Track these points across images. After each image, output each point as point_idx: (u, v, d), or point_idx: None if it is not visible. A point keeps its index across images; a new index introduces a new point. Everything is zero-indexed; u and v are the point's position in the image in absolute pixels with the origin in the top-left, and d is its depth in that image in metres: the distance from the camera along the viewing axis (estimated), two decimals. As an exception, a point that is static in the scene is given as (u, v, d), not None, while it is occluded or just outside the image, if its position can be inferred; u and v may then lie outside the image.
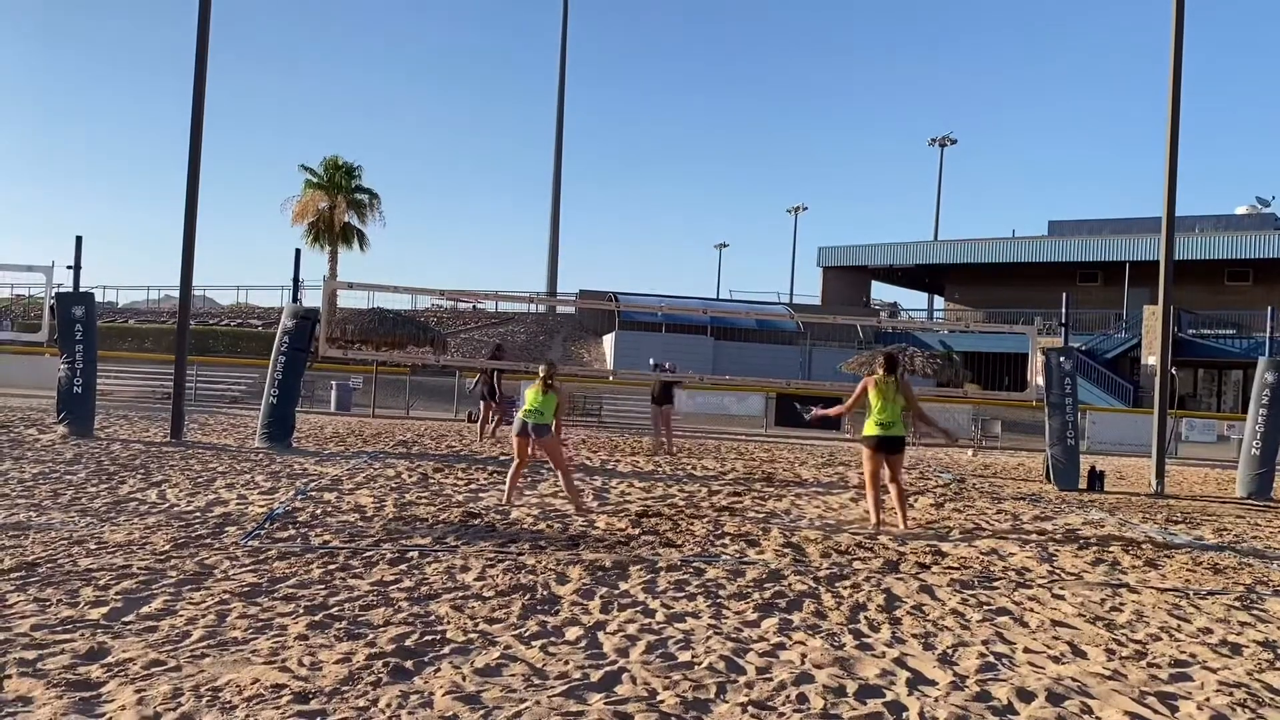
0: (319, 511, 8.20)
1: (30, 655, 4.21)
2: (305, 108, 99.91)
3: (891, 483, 9.01)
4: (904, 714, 4.06)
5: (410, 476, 10.94)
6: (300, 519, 7.82)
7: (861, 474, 9.97)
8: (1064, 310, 14.76)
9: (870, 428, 9.03)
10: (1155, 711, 4.25)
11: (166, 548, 6.48)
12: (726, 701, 4.08)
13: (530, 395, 9.21)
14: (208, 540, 6.80)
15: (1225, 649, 5.31)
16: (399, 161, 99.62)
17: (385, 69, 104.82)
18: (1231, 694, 4.51)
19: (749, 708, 4.02)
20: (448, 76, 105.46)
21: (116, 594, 5.27)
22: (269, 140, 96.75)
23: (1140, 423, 27.26)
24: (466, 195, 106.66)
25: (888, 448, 8.98)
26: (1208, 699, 4.43)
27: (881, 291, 54.37)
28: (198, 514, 7.83)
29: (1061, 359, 14.08)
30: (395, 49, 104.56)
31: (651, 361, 18.53)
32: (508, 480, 9.42)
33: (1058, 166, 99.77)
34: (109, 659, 4.24)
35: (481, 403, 17.58)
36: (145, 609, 5.03)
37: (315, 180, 40.38)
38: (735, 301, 46.93)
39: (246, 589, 5.51)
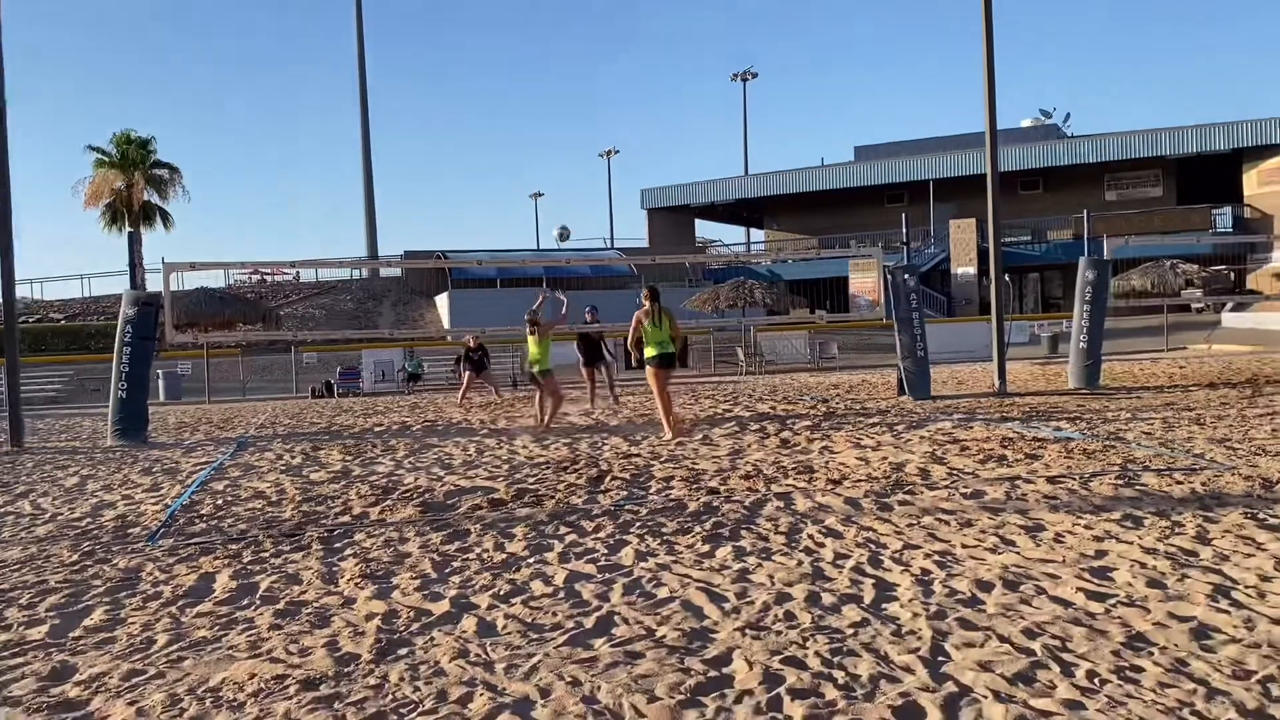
0: (220, 503, 7.85)
1: (-8, 684, 3.94)
2: (88, 81, 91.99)
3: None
4: (883, 610, 4.33)
5: (293, 458, 10.56)
6: (204, 512, 7.47)
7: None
8: (904, 229, 15.56)
9: (650, 350, 10.85)
10: (1101, 579, 4.69)
11: (74, 558, 6.09)
12: (723, 629, 4.24)
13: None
14: (115, 546, 6.42)
15: (1129, 522, 5.86)
16: (199, 134, 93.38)
17: (175, 37, 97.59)
18: (1153, 558, 5.01)
19: (746, 630, 4.19)
20: (241, 44, 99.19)
21: (48, 610, 4.95)
22: (51, 119, 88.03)
23: (962, 330, 29.09)
24: (275, 163, 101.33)
25: (666, 364, 10.89)
26: (1133, 564, 4.91)
27: (705, 229, 55.52)
28: (88, 520, 7.36)
29: (905, 276, 14.84)
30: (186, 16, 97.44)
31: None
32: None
33: (857, 93, 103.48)
34: (79, 676, 4.00)
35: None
36: (88, 621, 4.74)
37: (107, 159, 37.64)
38: (567, 250, 46.83)
39: (188, 588, 5.27)
